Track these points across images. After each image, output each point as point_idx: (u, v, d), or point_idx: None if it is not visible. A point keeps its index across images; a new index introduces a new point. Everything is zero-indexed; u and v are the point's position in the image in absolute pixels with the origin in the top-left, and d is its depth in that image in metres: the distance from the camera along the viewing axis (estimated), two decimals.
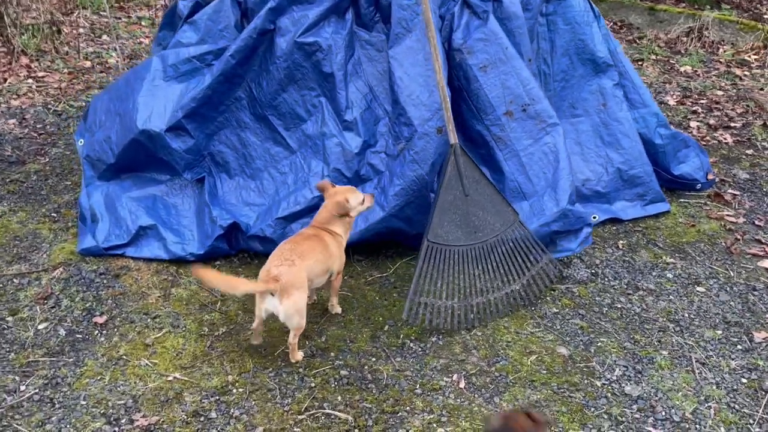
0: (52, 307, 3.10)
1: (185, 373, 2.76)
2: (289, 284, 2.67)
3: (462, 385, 2.74)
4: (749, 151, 5.04)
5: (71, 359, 2.81)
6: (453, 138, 3.12)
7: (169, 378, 2.72)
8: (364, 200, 3.02)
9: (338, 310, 3.13)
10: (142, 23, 7.62)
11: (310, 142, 3.44)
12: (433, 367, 2.84)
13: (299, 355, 2.85)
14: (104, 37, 7.13)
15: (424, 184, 3.31)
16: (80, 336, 2.95)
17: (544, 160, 3.45)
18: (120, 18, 7.62)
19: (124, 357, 2.83)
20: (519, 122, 3.45)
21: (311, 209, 3.34)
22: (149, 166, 3.71)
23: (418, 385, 2.73)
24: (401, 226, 3.39)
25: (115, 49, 6.66)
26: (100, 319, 3.04)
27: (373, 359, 2.87)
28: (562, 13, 3.91)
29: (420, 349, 2.94)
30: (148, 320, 3.05)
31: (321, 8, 3.31)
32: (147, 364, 2.79)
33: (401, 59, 3.36)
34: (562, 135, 3.50)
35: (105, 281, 3.29)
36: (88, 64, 6.26)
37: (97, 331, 2.98)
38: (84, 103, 5.25)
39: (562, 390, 2.73)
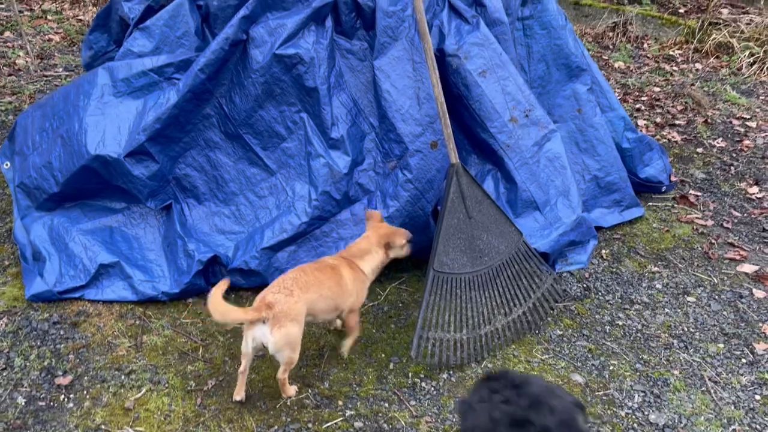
0: (3, 369, 2.65)
1: None
2: (282, 314, 2.38)
3: None
4: (699, 150, 5.15)
5: None
6: (454, 157, 2.91)
7: None
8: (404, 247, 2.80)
9: (344, 352, 2.82)
10: (48, 17, 6.90)
11: (292, 162, 3.13)
12: (451, 409, 2.63)
13: (292, 391, 2.58)
14: (7, 33, 6.39)
15: (421, 204, 3.09)
16: (43, 404, 2.52)
17: (550, 167, 3.33)
18: (23, 12, 6.86)
19: (103, 427, 2.44)
20: (524, 128, 3.30)
21: (299, 236, 3.05)
22: (100, 194, 3.27)
23: None
24: None
25: (22, 47, 5.98)
26: (64, 380, 2.62)
27: (386, 405, 2.63)
28: (539, 17, 3.77)
29: (433, 389, 2.73)
30: (123, 377, 2.66)
31: (300, 16, 2.99)
32: None
33: (388, 71, 3.11)
34: (560, 141, 3.37)
35: (62, 332, 2.85)
36: None
37: (63, 396, 2.56)
38: None
39: (588, 425, 2.60)
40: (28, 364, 2.67)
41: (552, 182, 3.32)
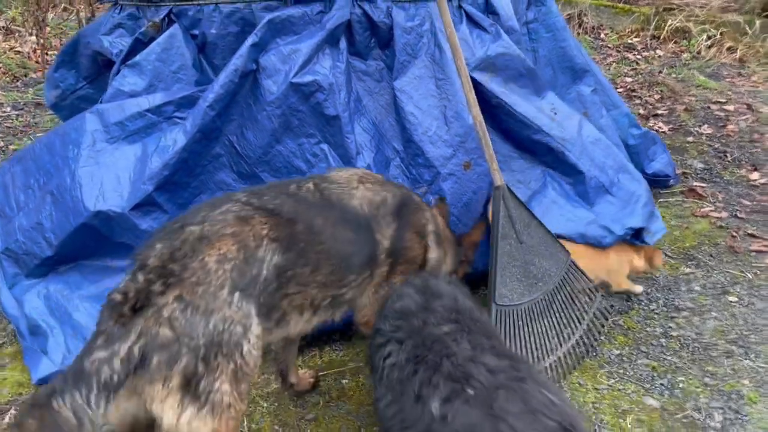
0: None
1: None
2: None
3: None
4: (690, 139, 5.12)
5: None
6: (499, 179, 2.70)
7: None
8: None
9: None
10: None
11: None
12: None
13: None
14: None
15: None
16: None
17: (597, 149, 3.24)
18: None
19: None
20: (563, 123, 3.18)
21: None
22: (98, 252, 2.91)
23: None
24: None
25: None
26: None
27: None
28: (543, 19, 3.62)
29: None
30: None
31: (314, 40, 2.71)
32: None
33: (410, 91, 2.88)
34: (590, 123, 3.38)
35: None
36: None
37: None
38: None
39: None
40: None
41: (605, 163, 3.22)
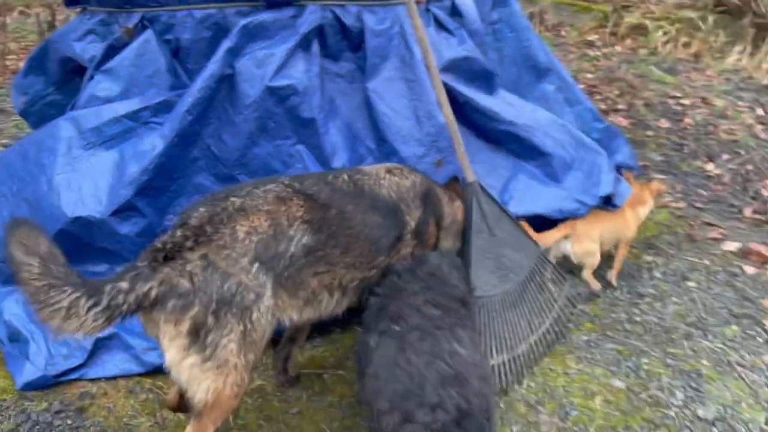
0: None
1: None
2: (582, 232, 3.26)
3: None
4: (649, 132, 5.32)
5: None
6: (471, 175, 2.81)
7: None
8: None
9: (613, 280, 3.45)
10: None
11: None
12: None
13: (597, 285, 3.35)
14: None
15: None
16: None
17: (553, 129, 3.42)
18: None
19: None
20: (522, 109, 3.38)
21: None
22: (77, 258, 2.90)
23: None
24: None
25: None
26: None
27: None
28: (507, 19, 3.74)
29: None
30: None
31: (288, 44, 2.78)
32: None
33: (382, 92, 2.97)
34: (542, 108, 3.57)
35: (69, 421, 2.53)
36: None
37: None
38: None
39: (646, 431, 2.58)
40: None
41: (564, 140, 3.41)
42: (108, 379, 2.72)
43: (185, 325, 1.91)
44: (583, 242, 3.26)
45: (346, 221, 2.24)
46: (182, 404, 2.25)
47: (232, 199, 2.10)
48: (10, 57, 6.47)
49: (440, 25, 3.12)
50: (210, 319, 1.92)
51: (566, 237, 3.27)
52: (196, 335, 1.91)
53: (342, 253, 2.23)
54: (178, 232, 2.02)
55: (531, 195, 3.28)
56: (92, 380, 2.71)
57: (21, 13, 7.74)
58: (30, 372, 2.64)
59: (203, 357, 1.92)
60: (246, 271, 1.99)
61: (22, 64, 6.34)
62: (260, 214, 2.08)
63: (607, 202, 3.39)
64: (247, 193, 2.14)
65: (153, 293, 1.90)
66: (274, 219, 2.08)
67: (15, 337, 2.79)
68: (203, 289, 1.92)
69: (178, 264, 1.95)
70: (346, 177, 2.39)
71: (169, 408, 2.38)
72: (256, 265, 2.01)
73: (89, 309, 1.82)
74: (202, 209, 2.07)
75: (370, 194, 2.37)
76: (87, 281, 1.90)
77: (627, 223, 3.43)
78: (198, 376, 1.94)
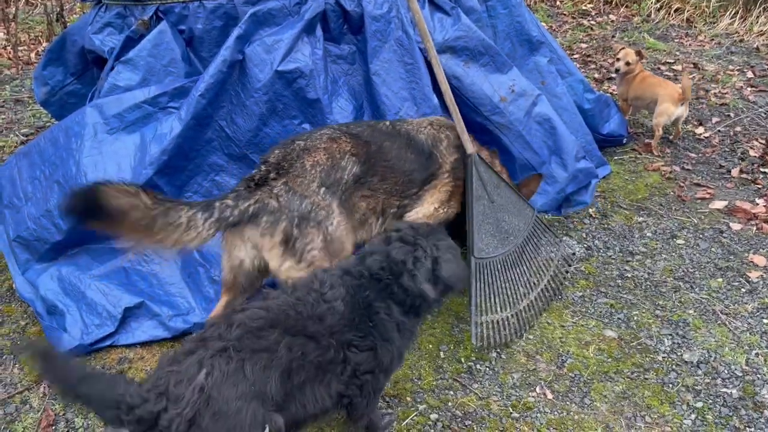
0: None
1: None
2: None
3: (550, 396, 2.73)
4: None
5: None
6: (470, 148, 3.01)
7: None
8: None
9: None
10: None
11: None
12: (512, 385, 2.79)
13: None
14: None
15: None
16: None
17: (540, 130, 3.56)
18: None
19: None
20: (513, 103, 3.50)
21: None
22: (104, 235, 3.15)
23: (511, 409, 2.67)
24: None
25: None
26: None
27: (451, 392, 2.75)
28: None
29: (489, 369, 2.87)
30: None
31: (294, 30, 2.98)
32: None
33: (383, 75, 3.18)
34: (547, 102, 3.60)
35: None
36: None
37: None
38: None
39: (635, 374, 2.82)
40: (91, 423, 2.60)
41: (545, 143, 3.57)
42: (141, 344, 2.97)
43: (277, 237, 2.44)
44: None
45: (383, 154, 2.73)
46: None
47: (297, 142, 2.64)
48: (21, 48, 6.64)
49: (435, 5, 3.30)
50: (295, 231, 2.44)
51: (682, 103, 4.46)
52: (287, 243, 2.44)
53: (380, 180, 2.72)
54: (263, 168, 2.56)
55: None
56: (128, 346, 2.96)
57: (27, 3, 7.89)
58: (67, 342, 2.88)
59: (296, 260, 2.45)
60: (316, 193, 2.51)
61: (33, 55, 6.54)
62: (319, 150, 2.60)
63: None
64: (306, 137, 2.68)
65: (251, 209, 2.42)
66: (329, 153, 2.60)
67: (52, 311, 3.03)
68: (287, 207, 2.44)
69: (266, 188, 2.48)
70: (388, 122, 2.91)
71: None
72: (323, 189, 2.53)
73: (205, 220, 2.33)
74: (276, 151, 2.62)
75: (407, 136, 2.85)
76: (195, 201, 2.45)
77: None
78: (295, 276, 2.40)
